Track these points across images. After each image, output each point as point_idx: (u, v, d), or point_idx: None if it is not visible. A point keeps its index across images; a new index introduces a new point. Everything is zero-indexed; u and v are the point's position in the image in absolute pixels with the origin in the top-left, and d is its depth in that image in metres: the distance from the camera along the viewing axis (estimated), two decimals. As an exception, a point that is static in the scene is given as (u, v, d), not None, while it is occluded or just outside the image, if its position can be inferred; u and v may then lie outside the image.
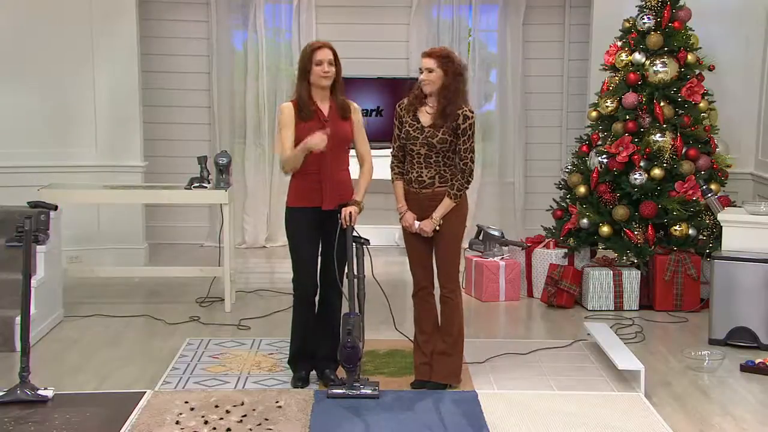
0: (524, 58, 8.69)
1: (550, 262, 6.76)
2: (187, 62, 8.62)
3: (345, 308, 4.75)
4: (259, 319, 6.20)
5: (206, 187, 6.48)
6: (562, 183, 7.25)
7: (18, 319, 5.01)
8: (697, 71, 6.88)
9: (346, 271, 4.75)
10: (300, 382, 4.85)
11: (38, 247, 5.59)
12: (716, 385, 5.00)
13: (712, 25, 7.36)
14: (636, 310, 6.52)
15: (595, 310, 6.51)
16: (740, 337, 5.63)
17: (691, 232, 6.65)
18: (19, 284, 4.76)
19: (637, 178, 6.61)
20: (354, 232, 4.70)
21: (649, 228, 6.60)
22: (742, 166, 7.52)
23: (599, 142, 6.98)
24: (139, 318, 6.22)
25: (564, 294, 6.57)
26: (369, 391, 4.65)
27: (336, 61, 4.69)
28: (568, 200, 7.09)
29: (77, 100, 7.49)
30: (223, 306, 6.44)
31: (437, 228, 4.67)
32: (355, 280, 4.70)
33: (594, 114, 7.07)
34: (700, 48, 6.96)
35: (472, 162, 4.70)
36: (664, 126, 6.71)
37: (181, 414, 4.41)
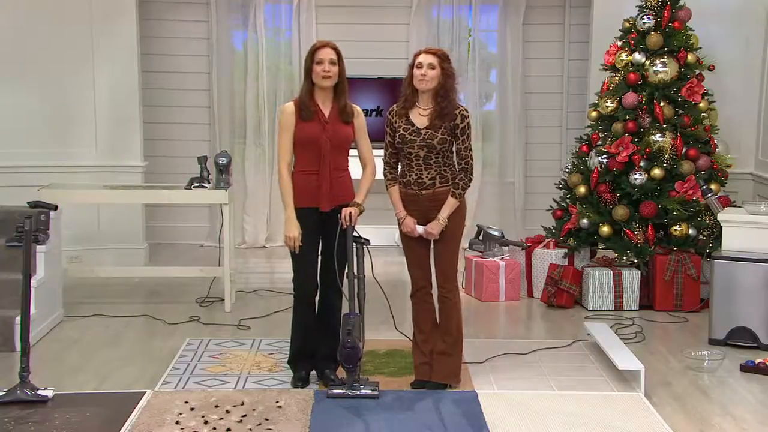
0: (524, 58, 8.69)
1: (550, 262, 6.76)
2: (187, 62, 8.62)
3: (345, 308, 4.75)
4: (259, 319, 6.20)
5: (206, 187, 6.48)
6: (562, 183, 7.25)
7: (18, 319, 5.01)
8: (697, 71, 6.88)
9: (346, 271, 4.75)
10: (300, 382, 4.85)
11: (38, 247, 5.59)
12: (716, 385, 5.00)
13: (712, 25, 7.36)
14: (636, 310, 6.52)
15: (595, 310, 6.51)
16: (740, 337, 5.63)
17: (691, 232, 6.65)
18: (19, 284, 4.76)
19: (637, 178, 6.61)
20: (354, 232, 4.70)
21: (649, 228, 6.61)
22: (742, 166, 7.52)
23: (599, 142, 6.98)
24: (139, 318, 6.22)
25: (564, 294, 6.57)
26: (369, 391, 4.66)
27: (339, 61, 4.67)
28: (568, 200, 7.09)
29: (77, 100, 7.49)
30: (223, 306, 6.44)
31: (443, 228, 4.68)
32: (355, 280, 4.70)
33: (594, 114, 7.07)
34: (700, 48, 6.96)
35: (472, 160, 4.72)
36: (664, 126, 6.71)
37: (181, 414, 4.41)
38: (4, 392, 4.55)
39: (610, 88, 6.95)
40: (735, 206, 6.57)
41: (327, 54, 4.63)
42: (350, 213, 4.66)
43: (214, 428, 4.25)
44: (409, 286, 4.91)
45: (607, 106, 6.90)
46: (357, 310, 4.68)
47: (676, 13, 6.85)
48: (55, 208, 5.05)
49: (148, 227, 8.05)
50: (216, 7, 8.51)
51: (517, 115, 8.72)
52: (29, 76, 7.35)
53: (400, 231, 4.82)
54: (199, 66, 8.63)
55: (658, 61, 6.75)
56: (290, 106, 4.72)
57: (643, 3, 6.89)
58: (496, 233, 6.92)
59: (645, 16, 6.82)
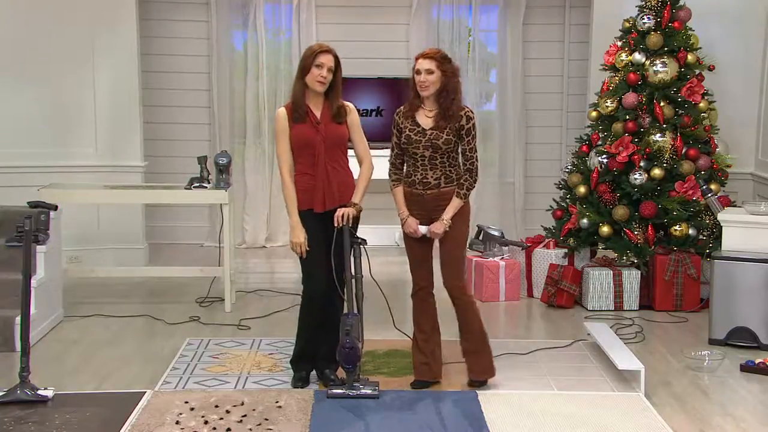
0: (524, 58, 8.69)
1: (550, 262, 6.76)
2: (187, 62, 8.62)
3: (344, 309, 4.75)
4: (259, 319, 6.20)
5: (206, 187, 6.48)
6: (562, 183, 7.25)
7: (18, 319, 5.01)
8: (697, 71, 6.88)
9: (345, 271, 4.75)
10: (300, 382, 4.85)
11: (38, 247, 5.60)
12: (716, 385, 5.00)
13: (712, 25, 7.36)
14: (636, 310, 6.52)
15: (595, 310, 6.51)
16: (740, 337, 5.63)
17: (691, 232, 6.65)
18: (19, 284, 4.76)
19: (637, 178, 6.61)
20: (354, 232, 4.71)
21: (649, 228, 6.60)
22: (742, 166, 7.52)
23: (599, 142, 6.98)
24: (139, 318, 6.22)
25: (564, 294, 6.57)
26: (369, 391, 4.66)
27: (337, 69, 4.68)
28: (568, 200, 7.09)
29: (77, 100, 7.49)
30: (223, 306, 6.44)
31: (447, 228, 4.68)
32: (353, 280, 4.69)
33: (594, 114, 7.07)
34: (700, 48, 6.96)
35: (477, 161, 4.75)
36: (664, 126, 6.71)
37: (181, 414, 4.41)
38: (4, 392, 4.55)
39: (610, 88, 6.95)
40: (735, 206, 6.56)
41: (328, 61, 4.64)
42: (343, 213, 4.65)
43: (214, 428, 4.25)
44: (410, 285, 4.92)
45: (607, 106, 6.90)
46: (355, 311, 4.68)
47: (676, 13, 6.85)
48: (55, 208, 5.06)
49: (148, 227, 8.05)
50: (216, 7, 8.51)
51: (517, 115, 8.72)
52: (29, 76, 7.35)
53: (403, 231, 4.83)
54: (199, 66, 8.63)
55: (658, 61, 6.75)
56: (282, 112, 4.73)
57: (643, 3, 6.89)
58: (496, 233, 6.92)
59: (645, 16, 6.82)
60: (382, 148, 8.04)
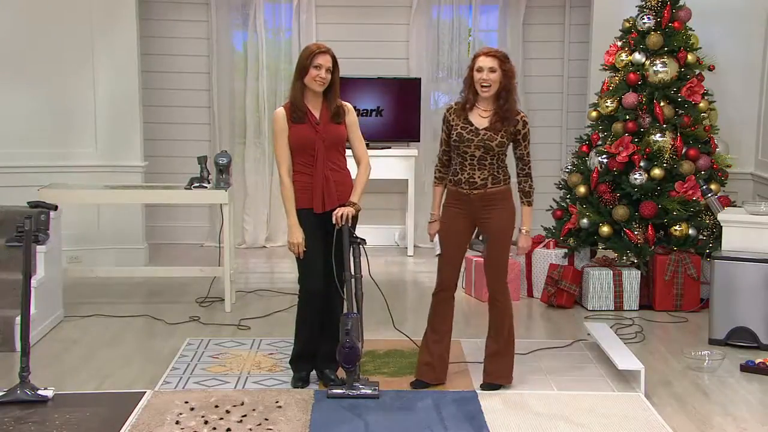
0: (524, 58, 8.68)
1: (550, 262, 6.76)
2: (187, 62, 8.62)
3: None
4: (259, 319, 6.20)
5: (206, 187, 6.48)
6: (562, 183, 7.25)
7: (18, 319, 5.01)
8: (697, 71, 6.88)
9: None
10: (300, 382, 4.85)
11: (38, 247, 5.60)
12: (716, 385, 5.00)
13: (712, 25, 7.35)
14: (636, 310, 6.52)
15: (595, 310, 6.51)
16: (740, 337, 5.63)
17: (691, 232, 6.65)
18: (19, 284, 4.76)
19: (637, 178, 6.61)
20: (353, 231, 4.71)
21: (649, 228, 6.60)
22: (742, 166, 7.52)
23: (599, 142, 6.98)
24: (139, 318, 6.22)
25: (564, 294, 6.57)
26: (369, 391, 4.66)
27: (334, 69, 4.68)
28: (568, 200, 7.09)
29: (77, 100, 7.49)
30: (223, 306, 6.44)
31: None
32: (353, 280, 4.69)
33: (594, 114, 7.07)
34: (700, 48, 6.96)
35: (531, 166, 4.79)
36: (664, 126, 6.71)
37: (181, 414, 4.41)
38: (4, 392, 4.55)
39: (610, 88, 6.95)
40: (735, 206, 6.57)
41: (326, 61, 4.64)
42: (342, 213, 4.65)
43: (214, 428, 4.25)
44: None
45: (607, 106, 6.90)
46: (355, 310, 4.68)
47: (676, 13, 6.85)
48: (55, 208, 5.06)
49: (148, 227, 8.05)
50: (216, 7, 8.50)
51: (517, 115, 8.71)
52: (29, 76, 7.35)
53: (441, 225, 4.80)
54: (199, 66, 8.63)
55: (658, 61, 6.75)
56: (281, 112, 4.73)
57: (643, 3, 6.89)
58: (496, 233, 6.90)
59: (645, 16, 6.82)
60: (383, 148, 8.10)
